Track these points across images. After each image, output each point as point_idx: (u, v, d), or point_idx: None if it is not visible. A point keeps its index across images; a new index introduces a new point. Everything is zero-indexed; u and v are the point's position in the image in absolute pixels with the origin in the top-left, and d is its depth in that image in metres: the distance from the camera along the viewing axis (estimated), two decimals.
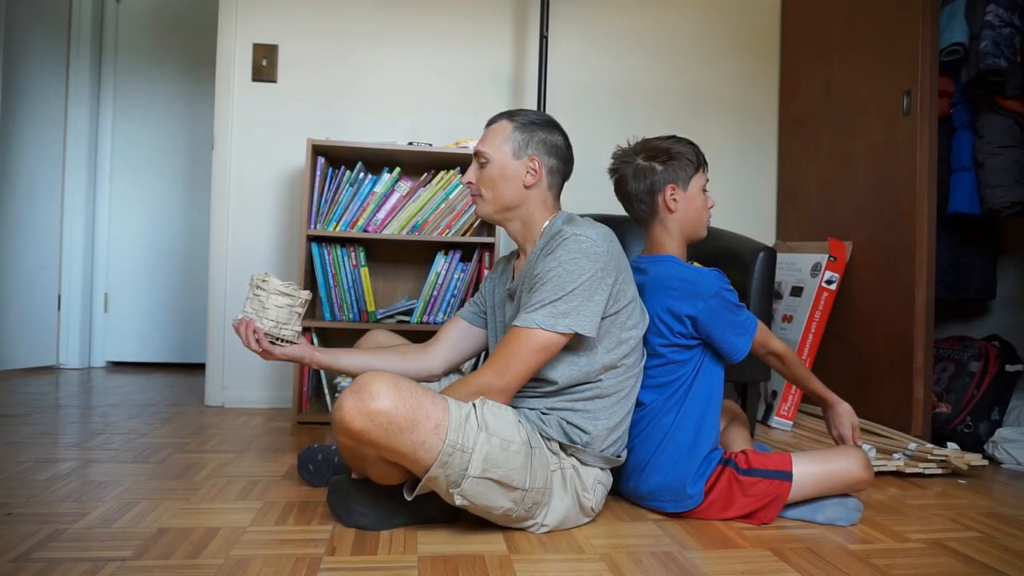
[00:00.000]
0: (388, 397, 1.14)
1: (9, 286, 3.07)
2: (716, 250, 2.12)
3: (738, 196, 2.86)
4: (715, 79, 2.85)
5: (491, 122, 1.48)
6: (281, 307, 1.46)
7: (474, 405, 1.24)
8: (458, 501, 1.20)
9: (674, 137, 1.55)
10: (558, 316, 1.28)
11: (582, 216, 1.48)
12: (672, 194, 1.50)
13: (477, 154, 1.46)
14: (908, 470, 1.80)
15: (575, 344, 1.34)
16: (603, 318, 1.34)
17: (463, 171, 2.41)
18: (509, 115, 1.47)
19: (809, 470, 1.41)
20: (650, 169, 1.51)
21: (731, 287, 1.47)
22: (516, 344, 1.29)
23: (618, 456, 1.42)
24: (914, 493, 1.68)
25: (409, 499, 1.25)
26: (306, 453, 1.58)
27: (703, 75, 2.84)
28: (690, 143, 1.55)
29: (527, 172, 1.43)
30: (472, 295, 2.39)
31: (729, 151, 2.87)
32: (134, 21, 3.49)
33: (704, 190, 1.55)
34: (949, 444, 1.91)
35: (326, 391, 2.36)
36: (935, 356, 2.27)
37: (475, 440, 1.19)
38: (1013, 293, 2.81)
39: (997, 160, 2.21)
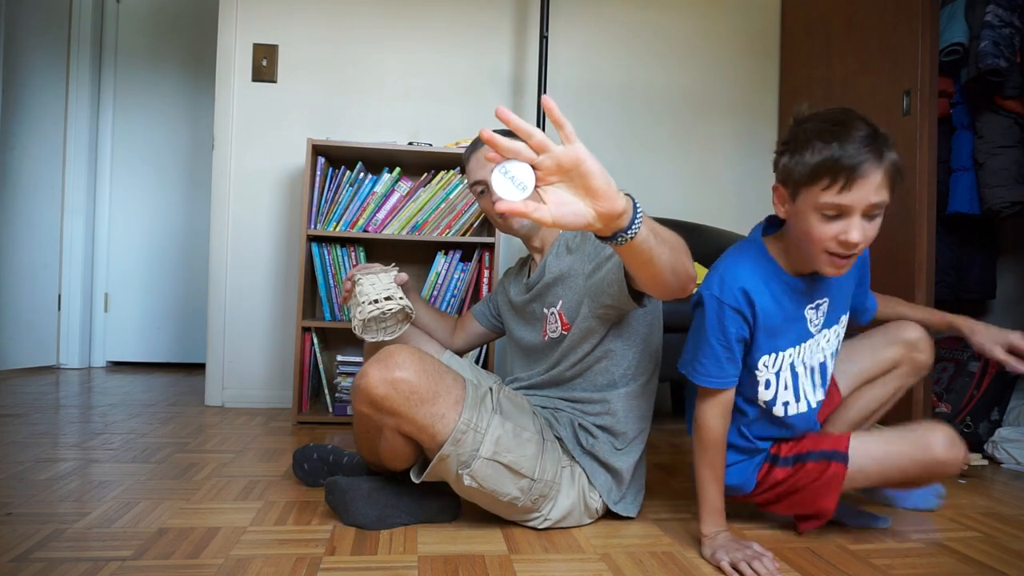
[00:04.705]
0: (412, 368, 1.17)
1: (9, 286, 3.07)
2: (716, 250, 2.12)
3: (738, 196, 2.86)
4: (715, 79, 2.85)
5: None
6: (381, 280, 1.45)
7: (490, 388, 1.27)
8: (466, 482, 1.21)
9: (853, 116, 1.06)
10: None
11: None
12: (776, 196, 1.15)
13: None
14: None
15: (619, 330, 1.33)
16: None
17: (463, 171, 2.40)
18: None
19: (870, 449, 1.21)
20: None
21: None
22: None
23: None
24: None
25: (416, 482, 1.27)
26: (301, 452, 1.58)
27: (703, 75, 2.84)
28: (867, 134, 1.03)
29: None
30: (472, 295, 2.40)
31: (729, 151, 2.87)
32: (134, 21, 3.49)
33: (830, 215, 1.07)
34: None
35: (326, 391, 2.36)
36: (935, 356, 2.26)
37: (489, 421, 1.21)
38: (1013, 293, 2.81)
39: (997, 160, 2.21)
